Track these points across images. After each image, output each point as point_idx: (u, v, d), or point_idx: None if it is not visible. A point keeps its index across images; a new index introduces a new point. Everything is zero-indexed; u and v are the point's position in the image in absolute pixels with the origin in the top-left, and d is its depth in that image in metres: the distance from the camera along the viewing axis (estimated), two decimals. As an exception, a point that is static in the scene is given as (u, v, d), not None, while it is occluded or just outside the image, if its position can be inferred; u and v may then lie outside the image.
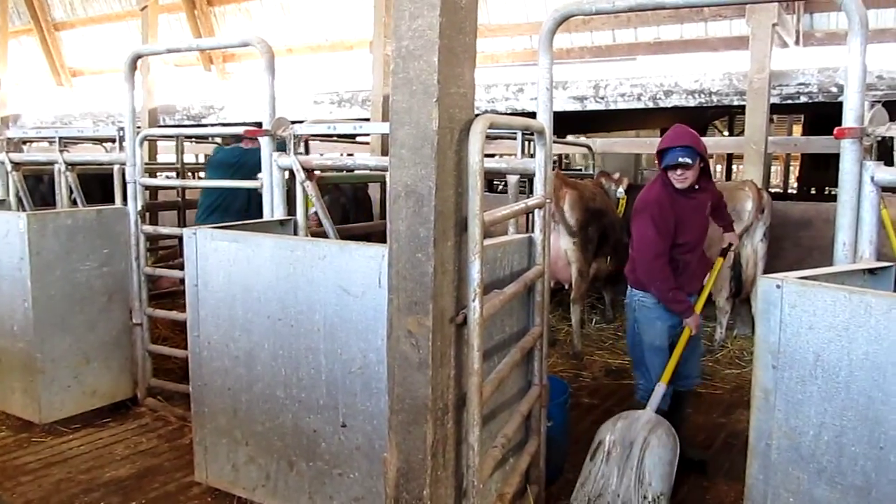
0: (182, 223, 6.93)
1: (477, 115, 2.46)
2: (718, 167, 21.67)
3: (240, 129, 4.21)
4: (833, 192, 14.01)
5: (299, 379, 3.39)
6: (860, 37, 2.84)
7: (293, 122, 4.15)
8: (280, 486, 3.53)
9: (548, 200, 3.29)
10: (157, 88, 11.53)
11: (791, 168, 21.04)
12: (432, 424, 2.42)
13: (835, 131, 2.84)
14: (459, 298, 2.52)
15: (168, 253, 7.95)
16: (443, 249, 2.39)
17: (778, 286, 2.38)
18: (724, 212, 4.56)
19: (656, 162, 3.99)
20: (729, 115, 14.17)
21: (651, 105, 7.62)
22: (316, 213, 4.31)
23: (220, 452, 3.74)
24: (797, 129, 18.61)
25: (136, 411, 4.95)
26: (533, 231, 3.38)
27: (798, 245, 7.16)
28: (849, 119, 2.86)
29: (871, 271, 2.79)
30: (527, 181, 4.63)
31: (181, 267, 5.91)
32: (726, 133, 17.58)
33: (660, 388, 3.83)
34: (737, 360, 6.41)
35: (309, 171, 4.00)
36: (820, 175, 13.22)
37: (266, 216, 4.21)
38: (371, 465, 3.23)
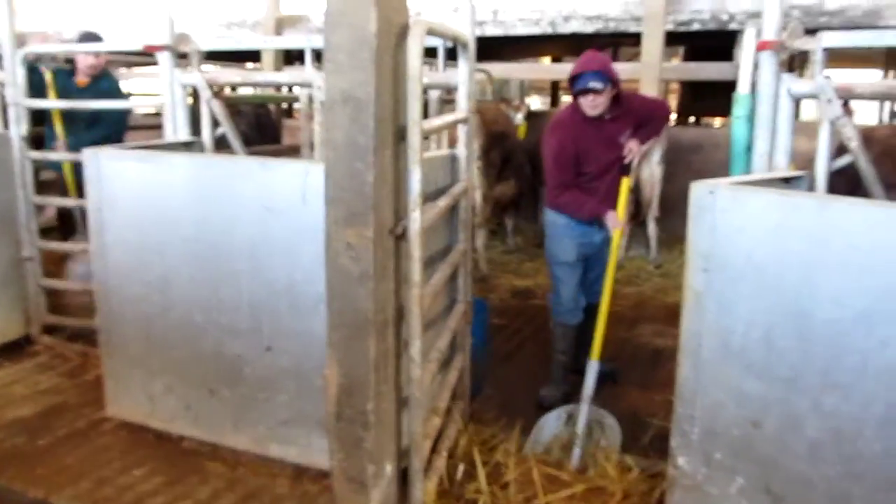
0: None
1: (412, 20, 2.37)
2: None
3: (137, 45, 3.92)
4: (711, 124, 14.61)
5: (220, 302, 3.26)
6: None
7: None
8: (201, 414, 3.43)
9: (471, 114, 3.25)
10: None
11: (669, 98, 21.71)
12: (374, 338, 2.39)
13: (757, 44, 2.91)
14: (398, 210, 2.47)
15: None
16: (382, 158, 2.32)
17: (711, 192, 2.44)
18: (649, 129, 4.16)
19: (569, 88, 3.90)
20: (614, 47, 14.40)
21: (550, 31, 7.64)
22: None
23: (134, 384, 3.58)
24: (675, 62, 19.20)
25: (32, 350, 4.65)
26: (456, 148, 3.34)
27: (689, 169, 7.40)
28: (768, 32, 2.93)
29: (786, 180, 2.92)
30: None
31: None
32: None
33: (592, 367, 3.76)
34: (635, 279, 6.66)
35: (216, 90, 3.79)
36: (698, 105, 13.68)
37: (168, 138, 3.98)
38: (299, 386, 3.18)
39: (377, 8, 2.19)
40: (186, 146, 3.93)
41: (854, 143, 2.82)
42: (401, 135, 2.42)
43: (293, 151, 5.28)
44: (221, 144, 4.18)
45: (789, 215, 2.30)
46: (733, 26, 7.04)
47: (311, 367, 3.12)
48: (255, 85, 4.33)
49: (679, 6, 7.06)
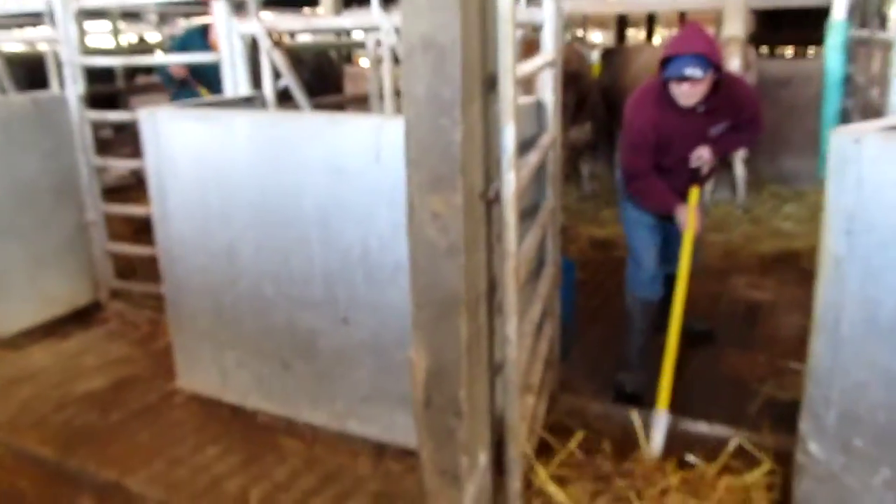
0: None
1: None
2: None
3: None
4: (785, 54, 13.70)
5: (290, 272, 3.03)
6: None
7: None
8: (276, 388, 3.24)
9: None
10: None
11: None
12: (466, 317, 2.11)
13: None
14: (488, 170, 2.17)
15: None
16: (470, 113, 2.00)
17: (856, 141, 2.06)
18: (738, 138, 3.59)
19: (658, 72, 3.22)
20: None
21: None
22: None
23: (204, 357, 3.41)
24: None
25: (101, 317, 4.55)
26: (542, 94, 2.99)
27: (779, 105, 6.88)
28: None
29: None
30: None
31: (134, 156, 5.43)
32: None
33: (661, 420, 2.99)
34: (723, 225, 6.22)
35: (276, 39, 3.50)
36: (770, 35, 12.80)
37: (228, 93, 3.72)
38: (378, 361, 2.95)
39: (462, -64, 1.85)
40: (247, 101, 3.67)
41: None
42: (489, 84, 2.10)
43: (359, 102, 4.98)
44: (284, 97, 3.91)
45: (960, 165, 1.92)
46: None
47: (391, 341, 2.88)
48: (317, 31, 4.02)
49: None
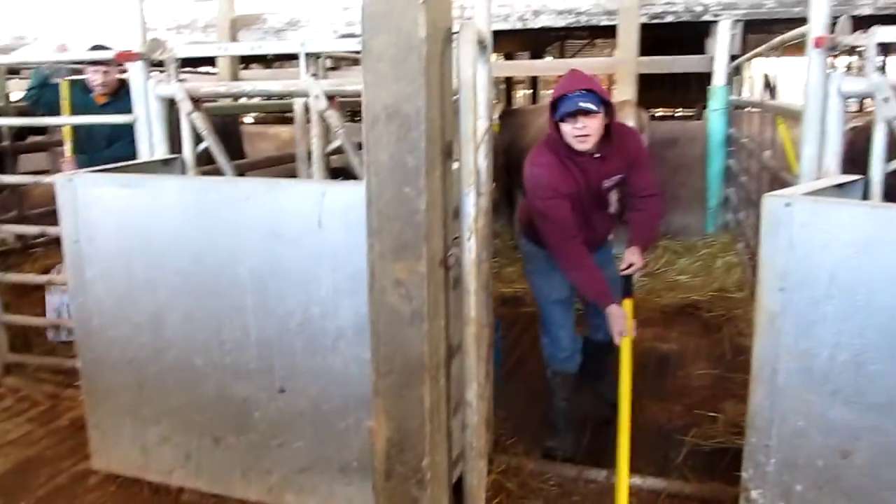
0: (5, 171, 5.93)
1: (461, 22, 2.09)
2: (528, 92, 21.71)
3: (108, 53, 3.51)
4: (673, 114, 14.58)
5: (222, 342, 2.92)
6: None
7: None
8: (204, 464, 3.08)
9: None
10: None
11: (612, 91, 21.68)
12: (429, 385, 2.10)
13: (814, 40, 2.69)
14: (446, 238, 2.19)
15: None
16: (432, 181, 2.03)
17: (787, 204, 2.22)
18: (645, 196, 3.38)
19: (549, 116, 3.12)
20: (560, 43, 14.23)
21: (520, 26, 7.39)
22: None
23: (123, 434, 3.20)
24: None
25: (-6, 394, 4.22)
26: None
27: (665, 163, 7.27)
28: (818, 27, 2.72)
29: (841, 187, 2.71)
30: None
31: (19, 220, 5.12)
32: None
33: None
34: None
35: (196, 101, 3.42)
36: (653, 97, 13.64)
37: (143, 156, 3.59)
38: (318, 430, 2.86)
39: (426, 8, 1.90)
40: (165, 164, 3.55)
41: (911, 143, 2.63)
42: (448, 152, 2.13)
43: (275, 163, 4.92)
44: (200, 161, 3.80)
45: (883, 229, 2.09)
46: (707, 18, 6.91)
47: (331, 410, 2.81)
48: (242, 95, 3.96)
49: (652, -1, 6.91)
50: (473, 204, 2.06)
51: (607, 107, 3.04)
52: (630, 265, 3.35)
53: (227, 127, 5.81)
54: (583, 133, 2.99)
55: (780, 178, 4.02)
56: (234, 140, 6.18)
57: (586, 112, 2.95)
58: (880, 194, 2.74)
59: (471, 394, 2.19)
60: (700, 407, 3.96)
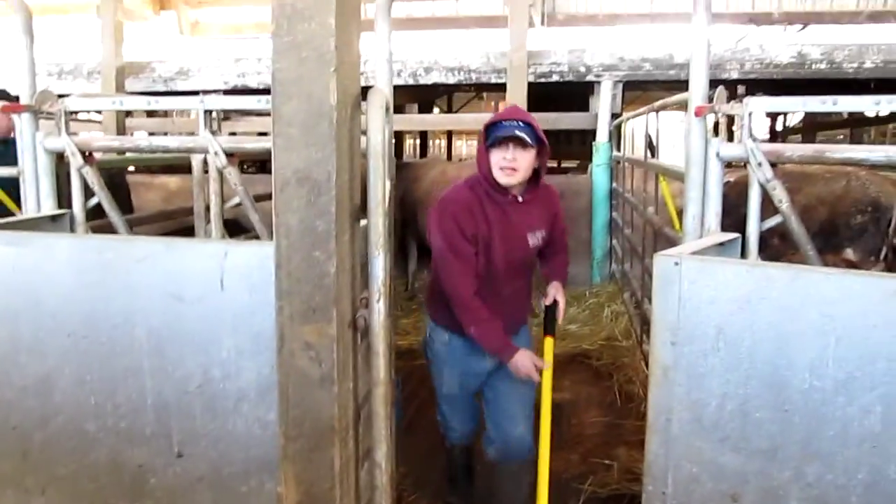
0: None
1: (366, 88, 2.15)
2: (440, 142, 22.31)
3: (-9, 105, 3.38)
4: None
5: (116, 406, 2.80)
6: (704, 18, 2.90)
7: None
8: (94, 536, 2.93)
9: (390, 182, 3.03)
10: None
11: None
12: (339, 447, 2.10)
13: (695, 109, 2.90)
14: (354, 300, 2.21)
15: None
16: (341, 244, 2.06)
17: (676, 263, 2.37)
18: (559, 246, 3.28)
19: (482, 140, 2.93)
20: (448, 95, 14.60)
21: (411, 82, 7.56)
22: None
23: (3, 507, 3.01)
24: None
25: None
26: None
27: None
28: (697, 97, 2.94)
29: (721, 244, 2.91)
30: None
31: None
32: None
33: None
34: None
35: (88, 155, 3.33)
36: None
37: (31, 212, 3.45)
38: (218, 495, 2.78)
39: (337, 76, 1.95)
40: (53, 220, 3.42)
41: (784, 205, 2.87)
42: (356, 216, 2.17)
43: (167, 217, 4.79)
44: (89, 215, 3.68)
45: (762, 286, 2.26)
46: (590, 78, 7.29)
47: (232, 474, 2.74)
48: (137, 151, 3.86)
49: (539, 58, 7.22)
50: (382, 267, 2.10)
51: (540, 149, 2.88)
52: (555, 301, 3.16)
53: (114, 178, 5.63)
54: (510, 166, 2.81)
55: (663, 234, 4.26)
56: (122, 192, 5.97)
57: (520, 142, 2.79)
58: (756, 252, 2.96)
59: (380, 454, 2.19)
60: (595, 455, 4.09)
